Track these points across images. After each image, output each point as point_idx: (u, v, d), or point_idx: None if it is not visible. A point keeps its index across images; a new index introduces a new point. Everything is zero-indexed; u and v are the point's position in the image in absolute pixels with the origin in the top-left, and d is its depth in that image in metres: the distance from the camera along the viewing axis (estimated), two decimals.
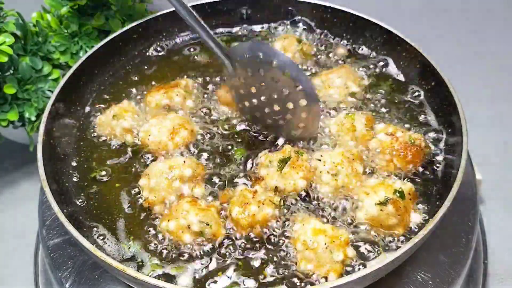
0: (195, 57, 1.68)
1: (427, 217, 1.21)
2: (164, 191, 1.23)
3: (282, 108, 1.31)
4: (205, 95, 1.52)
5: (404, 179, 1.28)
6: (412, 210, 1.21)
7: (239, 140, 1.40)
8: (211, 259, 1.15)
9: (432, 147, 1.36)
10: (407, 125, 1.42)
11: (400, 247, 1.14)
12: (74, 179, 1.33)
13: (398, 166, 1.29)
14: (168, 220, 1.18)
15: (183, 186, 1.25)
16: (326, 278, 1.10)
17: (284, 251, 1.16)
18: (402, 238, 1.18)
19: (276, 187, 1.23)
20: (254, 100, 1.35)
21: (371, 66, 1.60)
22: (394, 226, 1.18)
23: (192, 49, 1.70)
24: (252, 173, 1.30)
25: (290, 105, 1.30)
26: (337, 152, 1.29)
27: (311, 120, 1.31)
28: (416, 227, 1.20)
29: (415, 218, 1.20)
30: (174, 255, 1.16)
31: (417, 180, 1.29)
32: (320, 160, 1.28)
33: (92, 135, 1.44)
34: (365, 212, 1.20)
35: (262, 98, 1.33)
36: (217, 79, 1.58)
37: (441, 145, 1.37)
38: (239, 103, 1.40)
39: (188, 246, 1.17)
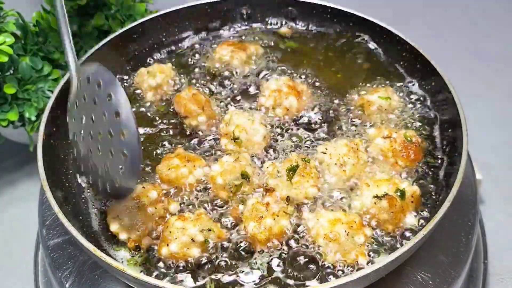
0: (196, 57, 1.68)
1: (422, 222, 1.20)
2: (143, 223, 1.18)
3: (103, 150, 1.11)
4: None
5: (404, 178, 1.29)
6: (410, 213, 1.21)
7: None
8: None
9: (431, 146, 1.37)
10: (406, 126, 1.42)
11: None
12: (75, 179, 1.33)
13: (403, 166, 1.30)
14: (168, 245, 1.13)
15: (156, 209, 1.20)
16: (357, 263, 1.13)
17: (306, 247, 1.17)
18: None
19: (287, 197, 1.23)
20: (85, 132, 1.16)
21: (371, 67, 1.61)
22: (385, 222, 1.18)
23: (192, 50, 1.71)
24: (261, 185, 1.27)
25: (111, 153, 1.09)
26: (341, 143, 1.31)
27: (126, 179, 1.09)
28: (408, 229, 1.19)
29: (410, 220, 1.20)
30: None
31: (417, 179, 1.29)
32: (325, 153, 1.28)
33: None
34: (360, 202, 1.21)
35: (91, 132, 1.14)
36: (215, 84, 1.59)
37: (441, 145, 1.37)
38: (71, 131, 1.23)
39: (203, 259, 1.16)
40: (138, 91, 1.56)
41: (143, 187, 1.22)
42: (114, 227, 1.19)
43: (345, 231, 1.13)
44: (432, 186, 1.28)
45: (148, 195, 1.20)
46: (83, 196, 1.30)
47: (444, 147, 1.36)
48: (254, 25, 1.77)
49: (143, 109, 1.51)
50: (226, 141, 1.36)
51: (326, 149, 1.30)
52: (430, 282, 1.22)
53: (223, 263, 1.15)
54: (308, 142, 1.38)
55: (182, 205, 1.26)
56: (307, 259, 1.15)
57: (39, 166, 1.22)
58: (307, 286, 1.11)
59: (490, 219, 1.68)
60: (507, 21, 2.58)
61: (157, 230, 1.19)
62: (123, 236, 1.18)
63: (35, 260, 1.56)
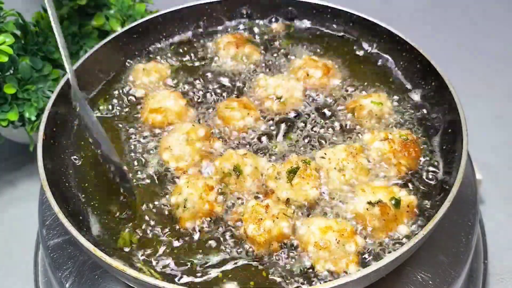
0: (195, 57, 1.68)
1: (416, 232, 1.17)
2: (190, 155, 1.30)
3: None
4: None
5: (405, 182, 1.28)
6: (403, 223, 1.19)
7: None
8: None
9: (431, 146, 1.36)
10: (407, 126, 1.42)
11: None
12: (75, 179, 1.33)
13: (407, 166, 1.29)
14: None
15: (203, 145, 1.33)
16: (346, 272, 1.10)
17: (296, 255, 1.15)
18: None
19: (288, 199, 1.22)
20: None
21: (371, 67, 1.61)
22: (376, 229, 1.17)
23: (191, 49, 1.71)
24: (261, 187, 1.26)
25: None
26: (340, 148, 1.30)
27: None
28: (399, 238, 1.17)
29: (402, 230, 1.18)
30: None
31: (416, 180, 1.29)
32: (324, 158, 1.28)
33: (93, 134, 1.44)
34: (353, 207, 1.20)
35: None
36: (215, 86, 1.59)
37: (441, 145, 1.37)
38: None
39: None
40: (132, 89, 1.55)
41: (193, 125, 1.35)
42: (165, 155, 1.32)
43: (336, 239, 1.12)
44: (432, 186, 1.28)
45: (197, 132, 1.33)
46: (83, 196, 1.30)
47: (444, 147, 1.36)
48: (255, 24, 1.77)
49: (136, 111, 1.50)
50: (270, 103, 1.44)
51: (325, 154, 1.29)
52: (430, 282, 1.22)
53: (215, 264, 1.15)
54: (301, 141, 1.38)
55: (225, 143, 1.37)
56: (299, 265, 1.14)
57: (39, 166, 1.22)
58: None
59: (490, 219, 1.68)
60: (507, 21, 2.58)
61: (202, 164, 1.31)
62: (172, 164, 1.31)
63: (35, 260, 1.56)
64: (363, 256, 1.14)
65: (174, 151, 1.31)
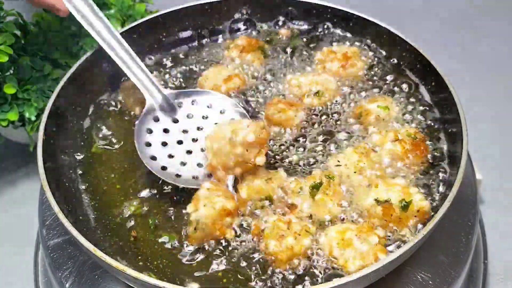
0: (195, 57, 1.68)
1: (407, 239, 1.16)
2: (226, 156, 1.21)
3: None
4: None
5: (409, 181, 1.27)
6: (408, 227, 1.17)
7: None
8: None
9: (431, 146, 1.36)
10: (407, 126, 1.41)
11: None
12: (75, 178, 1.33)
13: (418, 165, 1.29)
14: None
15: (244, 153, 1.20)
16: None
17: (321, 261, 1.14)
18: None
19: (310, 215, 1.19)
20: (170, 146, 1.33)
21: (371, 67, 1.61)
22: (372, 227, 1.16)
23: (192, 50, 1.71)
24: (283, 201, 1.23)
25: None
26: (349, 151, 1.29)
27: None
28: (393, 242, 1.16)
29: (405, 233, 1.16)
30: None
31: (419, 180, 1.29)
32: (340, 165, 1.26)
33: (93, 134, 1.44)
34: (362, 201, 1.20)
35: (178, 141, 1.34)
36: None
37: (441, 145, 1.36)
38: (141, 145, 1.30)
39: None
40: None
41: (248, 125, 1.20)
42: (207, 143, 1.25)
43: (356, 235, 1.11)
44: (432, 186, 1.28)
45: (246, 136, 1.18)
46: (83, 196, 1.30)
47: (444, 147, 1.36)
48: (255, 24, 1.77)
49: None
50: (309, 99, 1.45)
51: (339, 161, 1.27)
52: (430, 282, 1.22)
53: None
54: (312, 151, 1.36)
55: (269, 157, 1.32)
56: (328, 275, 1.11)
57: (39, 166, 1.22)
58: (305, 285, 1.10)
59: (490, 219, 1.68)
60: (507, 21, 2.58)
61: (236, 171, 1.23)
62: (208, 154, 1.24)
63: (35, 260, 1.55)
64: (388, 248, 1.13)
65: (214, 145, 1.23)
